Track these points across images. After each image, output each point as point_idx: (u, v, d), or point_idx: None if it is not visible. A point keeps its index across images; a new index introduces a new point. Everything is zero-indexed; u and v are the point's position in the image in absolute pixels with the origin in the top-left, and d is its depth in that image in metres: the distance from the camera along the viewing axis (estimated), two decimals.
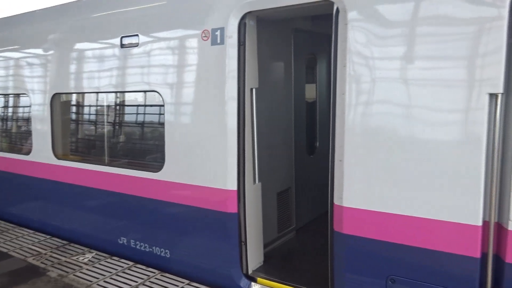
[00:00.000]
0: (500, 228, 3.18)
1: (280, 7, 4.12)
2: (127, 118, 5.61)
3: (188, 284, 4.75)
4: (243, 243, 4.61)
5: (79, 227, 6.05)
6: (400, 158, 3.46)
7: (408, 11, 3.37)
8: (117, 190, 5.49)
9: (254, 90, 4.55)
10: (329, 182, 3.90)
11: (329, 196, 3.93)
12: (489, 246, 3.18)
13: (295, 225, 5.90)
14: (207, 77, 4.52)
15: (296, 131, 5.81)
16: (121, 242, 5.57)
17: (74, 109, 6.16)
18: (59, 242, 6.09)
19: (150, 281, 4.84)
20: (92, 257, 5.56)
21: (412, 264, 3.51)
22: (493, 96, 3.09)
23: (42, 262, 5.45)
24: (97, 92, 5.59)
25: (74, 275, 5.08)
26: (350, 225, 3.73)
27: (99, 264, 5.36)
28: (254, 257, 4.79)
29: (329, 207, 3.96)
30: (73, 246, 5.93)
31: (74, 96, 6.07)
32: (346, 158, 3.69)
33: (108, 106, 5.68)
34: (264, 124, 4.90)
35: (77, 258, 5.55)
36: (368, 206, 3.63)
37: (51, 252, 5.76)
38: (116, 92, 5.40)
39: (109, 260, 5.46)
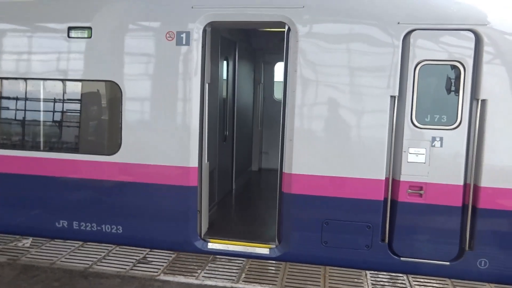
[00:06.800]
0: (394, 181, 5.05)
1: (239, 21, 5.25)
2: (70, 105, 5.83)
3: (150, 251, 5.44)
4: (198, 212, 5.56)
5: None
6: (331, 137, 5.04)
7: (341, 31, 4.94)
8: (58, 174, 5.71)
9: (207, 84, 5.55)
10: (280, 156, 5.25)
11: (279, 167, 5.28)
12: (388, 193, 5.03)
13: (217, 200, 7.02)
14: (171, 71, 5.31)
15: (219, 121, 6.95)
16: (60, 225, 5.78)
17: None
18: None
19: (112, 253, 5.34)
20: (32, 242, 5.62)
21: (339, 209, 5.14)
22: (392, 98, 4.92)
23: None
24: (42, 79, 5.66)
25: (26, 257, 5.16)
26: (297, 187, 5.16)
27: (45, 246, 5.50)
28: (204, 223, 5.78)
29: (278, 175, 5.31)
30: None
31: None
32: (295, 138, 5.10)
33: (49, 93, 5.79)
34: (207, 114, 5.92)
35: (15, 245, 5.52)
36: (310, 172, 5.12)
37: None
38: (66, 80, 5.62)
39: (53, 242, 5.62)
